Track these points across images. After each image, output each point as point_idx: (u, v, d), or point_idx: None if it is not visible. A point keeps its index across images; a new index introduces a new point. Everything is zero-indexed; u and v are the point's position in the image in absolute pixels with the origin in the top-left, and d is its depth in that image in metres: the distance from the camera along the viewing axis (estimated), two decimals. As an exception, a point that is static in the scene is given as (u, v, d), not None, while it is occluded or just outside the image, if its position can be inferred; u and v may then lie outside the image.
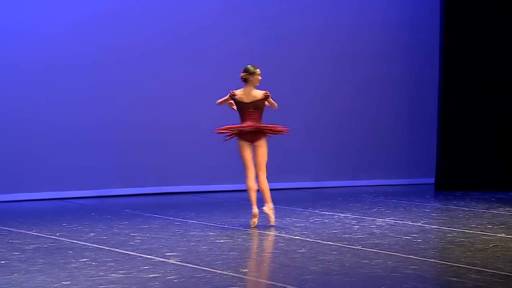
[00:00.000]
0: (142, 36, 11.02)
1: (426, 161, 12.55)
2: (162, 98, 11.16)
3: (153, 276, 5.89)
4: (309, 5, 12.02)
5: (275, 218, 8.35)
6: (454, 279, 5.83)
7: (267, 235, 7.73)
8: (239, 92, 8.18)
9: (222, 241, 7.39)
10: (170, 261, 6.46)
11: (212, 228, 8.13)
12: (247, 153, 8.12)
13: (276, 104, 8.27)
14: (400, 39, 12.57)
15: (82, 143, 10.72)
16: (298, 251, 6.91)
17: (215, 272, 6.04)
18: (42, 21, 10.44)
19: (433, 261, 6.50)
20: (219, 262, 6.41)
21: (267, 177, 8.25)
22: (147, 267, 6.19)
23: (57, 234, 7.72)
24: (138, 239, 7.47)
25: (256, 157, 8.12)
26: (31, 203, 10.19)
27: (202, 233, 7.83)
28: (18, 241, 7.35)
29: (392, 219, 8.79)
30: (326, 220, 8.71)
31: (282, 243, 7.30)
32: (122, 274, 5.96)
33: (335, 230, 8.05)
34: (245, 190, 11.57)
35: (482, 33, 11.88)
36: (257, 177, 8.14)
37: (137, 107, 11.01)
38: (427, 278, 5.94)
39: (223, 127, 8.18)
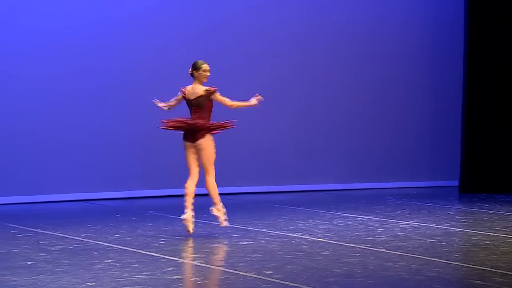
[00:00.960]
0: (164, 38, 11.07)
1: (450, 163, 12.49)
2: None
3: (177, 278, 5.93)
4: (332, 5, 12.01)
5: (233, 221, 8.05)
6: (478, 282, 5.80)
7: (290, 237, 7.74)
8: (187, 89, 7.73)
9: (245, 242, 7.41)
10: (194, 262, 6.49)
11: (235, 229, 8.16)
12: (189, 155, 7.65)
13: (230, 102, 7.69)
14: (423, 39, 12.53)
15: (107, 145, 10.80)
16: (321, 253, 6.91)
17: (238, 273, 6.06)
18: (71, 24, 10.54)
19: (457, 264, 6.48)
20: (242, 264, 6.42)
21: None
22: (171, 269, 6.22)
23: (82, 235, 7.79)
24: (162, 241, 7.51)
25: (201, 159, 7.67)
26: (57, 205, 10.28)
27: (225, 234, 7.85)
28: (44, 242, 7.42)
29: (416, 222, 8.76)
30: (350, 222, 8.70)
31: (305, 245, 7.31)
32: (146, 275, 6.00)
33: (359, 232, 8.04)
34: (268, 192, 11.64)
35: (507, 33, 11.80)
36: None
37: (155, 109, 11.06)
38: (451, 281, 5.92)
39: (171, 120, 7.66)
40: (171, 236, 7.76)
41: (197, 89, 7.66)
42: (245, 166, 11.53)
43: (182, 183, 11.60)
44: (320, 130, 12.05)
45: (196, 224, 8.60)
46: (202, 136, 7.59)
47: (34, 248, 7.10)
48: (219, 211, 7.78)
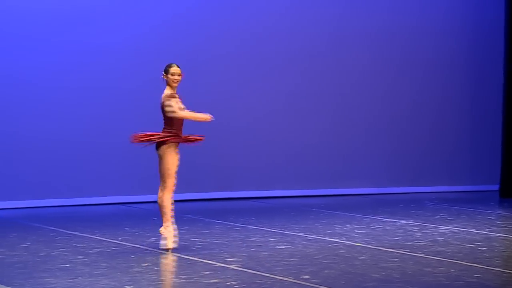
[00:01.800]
0: (199, 40, 11.12)
1: (490, 167, 12.35)
2: (223, 101, 11.24)
3: (213, 282, 5.94)
4: (371, 7, 11.96)
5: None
6: (519, 288, 5.73)
7: (328, 241, 7.71)
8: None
9: (283, 247, 7.41)
10: (231, 266, 6.50)
11: (272, 233, 8.15)
12: (159, 165, 7.21)
13: (171, 111, 7.02)
14: (462, 41, 12.41)
15: (144, 148, 10.86)
16: (359, 258, 6.88)
17: (276, 278, 6.05)
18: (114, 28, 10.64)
19: (498, 270, 6.40)
20: (280, 268, 6.42)
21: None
22: (208, 273, 6.24)
23: (120, 238, 7.84)
24: (199, 244, 7.53)
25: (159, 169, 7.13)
26: (95, 207, 10.38)
27: (262, 238, 7.86)
28: (82, 245, 7.49)
29: (455, 227, 8.68)
30: (388, 227, 8.65)
31: (343, 249, 7.28)
32: (183, 279, 6.03)
33: (397, 237, 7.99)
34: (305, 196, 11.62)
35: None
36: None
37: (197, 109, 11.11)
38: (491, 287, 5.85)
39: (141, 135, 7.19)
40: (208, 240, 7.78)
41: (163, 95, 7.16)
42: (282, 169, 11.52)
43: (219, 186, 11.71)
44: (357, 133, 12.00)
45: (232, 227, 8.62)
46: (163, 144, 7.10)
47: (72, 251, 7.17)
48: (167, 230, 7.09)
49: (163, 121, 7.19)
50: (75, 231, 8.24)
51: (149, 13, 10.90)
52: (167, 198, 7.17)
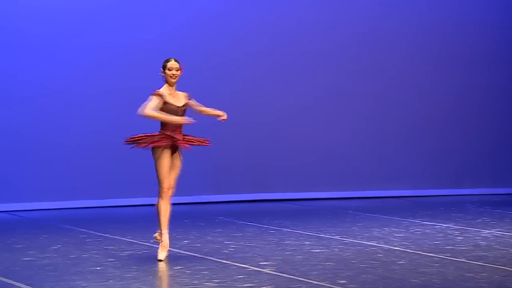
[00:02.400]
0: (228, 38, 11.14)
1: (534, 169, 12.21)
2: (257, 102, 11.25)
3: (247, 286, 5.94)
4: (408, 5, 11.89)
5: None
6: None
7: (365, 245, 7.68)
8: (161, 92, 6.94)
9: (318, 250, 7.39)
10: (265, 270, 6.50)
11: (307, 237, 8.14)
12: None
13: (141, 108, 6.72)
14: (504, 39, 12.28)
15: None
16: (397, 262, 6.84)
17: (311, 283, 6.04)
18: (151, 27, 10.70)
19: (543, 276, 6.33)
20: (315, 272, 6.41)
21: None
22: (241, 276, 6.25)
23: (151, 241, 7.88)
24: (232, 247, 7.54)
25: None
26: (126, 209, 10.45)
27: (297, 242, 7.85)
28: (112, 247, 7.55)
29: (498, 231, 8.59)
30: (427, 231, 8.59)
31: (380, 253, 7.24)
32: (216, 283, 6.04)
33: (437, 241, 7.93)
34: (341, 198, 11.57)
35: None
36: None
37: (230, 109, 11.12)
38: (536, 294, 5.79)
39: (133, 138, 6.98)
40: (241, 243, 7.79)
41: (178, 94, 6.93)
42: (318, 171, 11.50)
43: (253, 187, 11.71)
44: (395, 134, 11.93)
45: (266, 230, 8.61)
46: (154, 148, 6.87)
47: (103, 253, 7.23)
48: (160, 236, 6.89)
49: (161, 122, 6.90)
50: (106, 233, 8.30)
51: (173, 11, 10.94)
52: (159, 204, 6.95)
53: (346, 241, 7.88)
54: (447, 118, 12.15)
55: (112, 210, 10.41)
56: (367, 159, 11.77)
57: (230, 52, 11.09)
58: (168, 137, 6.87)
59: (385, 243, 7.74)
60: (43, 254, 7.19)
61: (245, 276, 6.26)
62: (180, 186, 10.89)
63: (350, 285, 5.97)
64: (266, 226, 8.84)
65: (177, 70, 6.91)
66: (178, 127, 6.96)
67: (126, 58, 10.64)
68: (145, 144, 6.86)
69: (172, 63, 6.89)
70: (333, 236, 8.20)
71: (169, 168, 6.96)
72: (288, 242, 7.84)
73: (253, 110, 11.28)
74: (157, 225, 7.02)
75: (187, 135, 7.14)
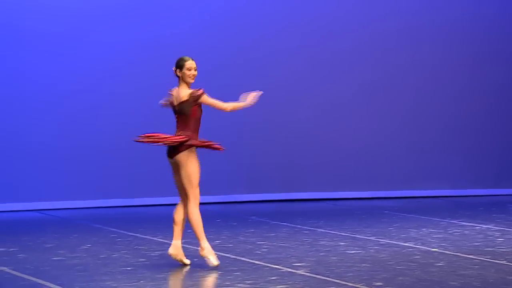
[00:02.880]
0: (262, 35, 11.13)
1: None
2: (290, 100, 11.23)
3: (280, 287, 5.93)
4: (447, 0, 11.79)
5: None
6: None
7: (402, 246, 7.63)
8: (173, 92, 6.72)
9: (353, 251, 7.36)
10: (299, 271, 6.48)
11: (342, 237, 8.11)
12: (175, 175, 6.71)
13: (223, 105, 6.73)
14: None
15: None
16: (435, 264, 6.78)
17: (346, 285, 6.02)
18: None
19: None
20: (350, 274, 6.38)
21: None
22: (274, 278, 6.24)
23: (182, 240, 7.90)
24: (265, 248, 7.54)
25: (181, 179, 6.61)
26: (156, 208, 10.48)
27: (332, 242, 7.82)
28: (143, 247, 7.58)
29: (541, 232, 8.49)
30: (466, 232, 8.51)
31: (418, 255, 7.19)
32: (248, 284, 6.04)
33: (477, 242, 7.85)
34: (377, 198, 11.51)
35: None
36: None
37: (262, 107, 11.13)
38: None
39: (145, 135, 6.80)
40: (274, 243, 7.78)
41: (181, 93, 6.61)
42: (353, 169, 11.44)
43: (286, 187, 11.70)
44: (433, 132, 11.84)
45: (300, 230, 8.58)
46: (182, 150, 6.58)
47: (134, 253, 7.26)
48: (203, 249, 6.59)
49: (178, 123, 6.67)
50: (137, 233, 8.33)
51: (201, 5, 10.96)
52: (195, 212, 6.58)
53: (382, 242, 7.83)
54: (487, 116, 12.03)
55: (143, 209, 10.46)
56: (404, 157, 11.70)
57: (260, 49, 11.08)
58: (195, 139, 6.70)
59: (423, 244, 7.68)
60: (73, 254, 7.23)
61: (278, 278, 6.25)
62: (212, 185, 10.94)
63: (386, 287, 5.93)
64: (299, 226, 8.82)
65: (195, 70, 6.69)
66: (198, 129, 6.74)
67: (146, 54, 10.66)
68: (177, 141, 6.61)
69: (191, 63, 6.65)
70: (368, 237, 8.15)
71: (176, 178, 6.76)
72: (323, 242, 7.81)
73: (286, 108, 11.26)
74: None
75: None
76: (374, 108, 11.62)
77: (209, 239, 7.99)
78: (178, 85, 6.67)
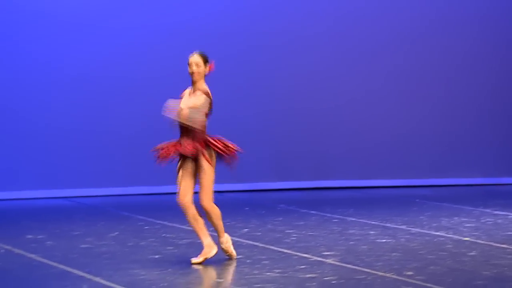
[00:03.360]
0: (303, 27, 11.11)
1: None
2: (320, 87, 11.20)
3: (310, 277, 5.94)
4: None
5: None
6: None
7: (433, 235, 7.61)
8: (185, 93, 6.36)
9: (384, 240, 7.35)
10: (328, 260, 6.49)
11: (372, 226, 8.10)
12: (187, 167, 6.47)
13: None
14: None
15: (235, 134, 10.91)
16: (468, 254, 6.75)
17: (376, 274, 6.01)
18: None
19: None
20: (380, 263, 6.37)
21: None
22: (303, 267, 6.25)
23: (210, 229, 7.92)
24: (294, 237, 7.55)
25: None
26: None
27: (361, 231, 7.81)
28: (171, 235, 7.62)
29: None
30: (499, 221, 8.46)
31: (449, 244, 7.16)
32: (277, 273, 6.06)
33: (510, 231, 7.80)
34: (408, 186, 11.45)
35: None
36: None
37: (292, 94, 11.12)
38: None
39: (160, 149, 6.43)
40: (303, 232, 7.79)
41: (194, 94, 6.24)
42: (383, 157, 11.41)
43: (315, 174, 11.68)
44: (465, 119, 11.76)
45: (329, 219, 8.59)
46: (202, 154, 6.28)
47: (162, 241, 7.30)
48: (227, 240, 6.44)
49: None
50: (164, 221, 8.38)
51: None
52: (214, 205, 6.33)
53: (413, 231, 7.81)
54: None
55: (171, 197, 10.48)
56: (435, 145, 11.63)
57: (290, 36, 11.05)
58: (175, 145, 6.29)
59: (454, 234, 7.65)
60: (101, 242, 7.30)
61: (308, 266, 6.26)
62: (241, 173, 10.95)
63: (418, 277, 5.92)
64: (329, 215, 8.82)
65: (197, 66, 6.16)
66: (183, 132, 6.26)
67: (168, 42, 10.68)
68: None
69: (191, 59, 6.17)
70: (399, 225, 8.14)
71: (184, 177, 6.33)
72: (352, 231, 7.81)
73: (316, 95, 11.23)
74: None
75: (216, 139, 6.39)
76: (405, 95, 11.56)
77: (237, 227, 8.03)
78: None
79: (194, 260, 6.31)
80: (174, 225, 8.18)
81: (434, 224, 8.19)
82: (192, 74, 6.20)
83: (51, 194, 10.26)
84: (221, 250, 6.50)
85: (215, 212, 6.42)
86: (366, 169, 11.39)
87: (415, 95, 11.56)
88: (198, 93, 6.27)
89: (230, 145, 6.45)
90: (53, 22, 10.37)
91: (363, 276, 5.95)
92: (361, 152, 11.40)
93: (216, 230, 6.45)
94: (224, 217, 8.67)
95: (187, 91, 6.37)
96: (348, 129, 11.35)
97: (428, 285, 5.71)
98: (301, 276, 5.97)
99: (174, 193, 10.65)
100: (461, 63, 11.71)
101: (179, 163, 6.43)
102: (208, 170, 6.32)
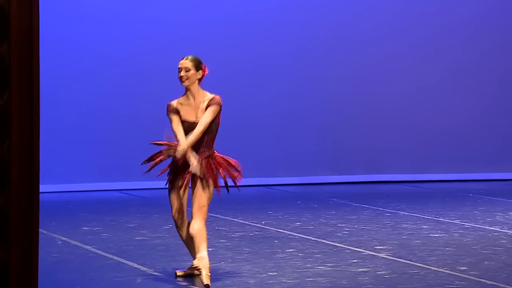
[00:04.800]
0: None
1: None
2: (372, 80, 11.12)
3: (362, 271, 5.91)
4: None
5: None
6: None
7: (487, 230, 7.50)
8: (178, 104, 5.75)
9: (437, 235, 7.27)
10: (381, 255, 6.44)
11: (425, 220, 8.02)
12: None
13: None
14: None
15: (288, 127, 10.94)
16: (523, 249, 6.66)
17: (430, 268, 5.96)
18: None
19: None
20: (434, 258, 6.31)
21: None
22: (356, 261, 6.22)
23: (263, 222, 7.94)
24: (346, 230, 7.52)
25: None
26: (236, 189, 10.52)
27: (414, 225, 7.74)
28: (224, 228, 7.65)
29: None
30: (555, 216, 8.30)
31: (504, 239, 7.06)
32: (329, 267, 6.04)
33: None
34: (462, 181, 11.30)
35: None
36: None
37: (345, 88, 11.06)
38: None
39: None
40: (355, 226, 7.75)
41: (196, 103, 5.67)
42: (436, 151, 11.28)
43: (368, 168, 11.60)
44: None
45: (382, 213, 8.52)
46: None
47: (214, 234, 7.33)
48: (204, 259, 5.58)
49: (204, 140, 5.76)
50: (217, 214, 8.40)
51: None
52: (203, 225, 5.70)
53: (466, 226, 7.72)
54: None
55: (223, 190, 10.51)
56: (490, 138, 11.46)
57: (345, 30, 10.99)
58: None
59: (509, 229, 7.54)
60: (155, 234, 7.35)
61: (360, 261, 6.23)
62: (293, 167, 10.95)
63: (471, 272, 5.85)
64: (381, 209, 8.76)
65: (187, 71, 5.59)
66: (198, 145, 5.64)
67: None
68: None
69: (181, 62, 5.62)
70: (452, 220, 8.04)
71: (181, 192, 5.79)
72: (405, 225, 7.74)
73: (369, 89, 11.15)
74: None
75: (225, 158, 5.82)
76: (459, 88, 11.41)
77: (289, 221, 8.03)
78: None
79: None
80: (227, 218, 8.20)
81: (488, 219, 8.08)
82: (180, 78, 5.64)
83: (107, 187, 10.37)
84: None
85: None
86: (419, 163, 11.27)
87: (469, 88, 11.39)
88: (207, 99, 5.70)
89: (233, 172, 5.91)
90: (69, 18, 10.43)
91: (416, 271, 5.90)
92: (414, 145, 11.29)
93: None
94: (276, 210, 8.70)
95: (181, 100, 5.73)
96: (402, 122, 11.25)
97: (482, 280, 5.63)
98: (353, 270, 5.94)
99: (230, 186, 10.73)
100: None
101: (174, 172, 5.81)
102: (211, 188, 5.76)
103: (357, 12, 11.04)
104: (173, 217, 5.92)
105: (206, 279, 5.46)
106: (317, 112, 11.03)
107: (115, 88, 10.52)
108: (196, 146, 5.69)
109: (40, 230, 3.60)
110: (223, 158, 5.84)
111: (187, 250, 6.49)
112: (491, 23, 11.39)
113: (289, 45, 10.86)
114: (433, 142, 11.28)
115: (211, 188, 5.78)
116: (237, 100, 10.84)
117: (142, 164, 5.96)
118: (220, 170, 5.79)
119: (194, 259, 5.64)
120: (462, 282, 5.61)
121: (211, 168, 5.74)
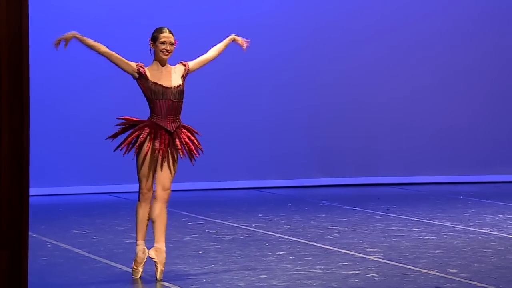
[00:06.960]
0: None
1: None
2: (364, 83, 11.15)
3: (352, 273, 5.93)
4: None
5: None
6: None
7: (477, 233, 7.53)
8: (149, 69, 5.79)
9: (427, 237, 7.30)
10: (371, 257, 6.46)
11: (416, 223, 8.05)
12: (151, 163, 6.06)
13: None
14: None
15: (279, 130, 10.95)
16: (512, 251, 6.69)
17: (420, 271, 5.98)
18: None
19: None
20: (424, 260, 6.33)
21: None
22: (346, 263, 6.24)
23: (253, 225, 7.95)
24: (337, 233, 7.54)
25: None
26: (228, 192, 10.56)
27: (405, 228, 7.77)
28: (214, 231, 7.66)
29: None
30: (545, 218, 8.35)
31: (494, 242, 7.09)
32: (320, 269, 6.05)
33: (556, 229, 7.70)
34: (452, 183, 11.35)
35: None
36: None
37: (336, 90, 11.09)
38: None
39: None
40: (346, 228, 7.77)
41: (170, 70, 5.71)
42: (427, 153, 11.32)
43: (358, 171, 11.63)
44: (511, 114, 11.61)
45: (372, 215, 8.55)
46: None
47: (205, 237, 7.34)
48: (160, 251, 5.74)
49: (171, 108, 5.81)
50: (208, 217, 8.42)
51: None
52: (136, 208, 5.97)
53: (457, 228, 7.75)
54: None
55: (214, 193, 10.54)
56: (480, 141, 11.51)
57: (337, 32, 11.01)
58: (153, 126, 5.74)
59: (499, 231, 7.57)
60: (146, 237, 7.34)
61: (350, 263, 6.24)
62: (283, 170, 10.96)
63: (462, 274, 5.87)
64: (372, 211, 8.78)
65: (171, 45, 5.67)
66: (171, 112, 5.70)
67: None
68: (127, 148, 5.97)
69: (166, 35, 5.64)
70: (443, 222, 8.07)
71: (151, 165, 5.85)
72: (395, 228, 7.77)
73: (360, 91, 11.18)
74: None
75: (188, 129, 5.87)
76: (450, 91, 11.45)
77: (280, 224, 8.04)
78: (154, 63, 5.72)
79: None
80: (217, 221, 8.21)
81: (479, 221, 8.11)
82: (166, 51, 5.66)
83: (97, 190, 10.36)
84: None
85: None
86: (409, 165, 11.31)
87: (460, 91, 11.44)
88: (178, 68, 5.75)
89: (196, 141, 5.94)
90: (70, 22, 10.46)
91: (406, 273, 5.92)
92: (405, 148, 11.33)
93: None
94: (267, 213, 8.72)
95: (152, 68, 5.74)
96: (393, 125, 11.28)
97: (472, 282, 5.66)
98: (343, 272, 5.95)
99: (218, 189, 10.76)
100: (508, 59, 11.56)
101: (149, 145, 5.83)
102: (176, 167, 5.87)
103: (348, 14, 11.07)
104: (142, 191, 5.93)
105: (159, 275, 5.67)
106: (307, 114, 11.05)
107: (105, 91, 10.52)
108: (175, 111, 5.74)
109: (30, 233, 3.61)
110: (189, 128, 5.91)
111: (178, 253, 6.53)
112: (482, 26, 11.44)
113: (281, 48, 10.88)
114: (424, 145, 11.32)
115: (176, 167, 5.83)
116: (228, 103, 10.86)
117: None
118: (191, 142, 5.86)
119: (141, 240, 5.84)
120: (452, 285, 5.64)
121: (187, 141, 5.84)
